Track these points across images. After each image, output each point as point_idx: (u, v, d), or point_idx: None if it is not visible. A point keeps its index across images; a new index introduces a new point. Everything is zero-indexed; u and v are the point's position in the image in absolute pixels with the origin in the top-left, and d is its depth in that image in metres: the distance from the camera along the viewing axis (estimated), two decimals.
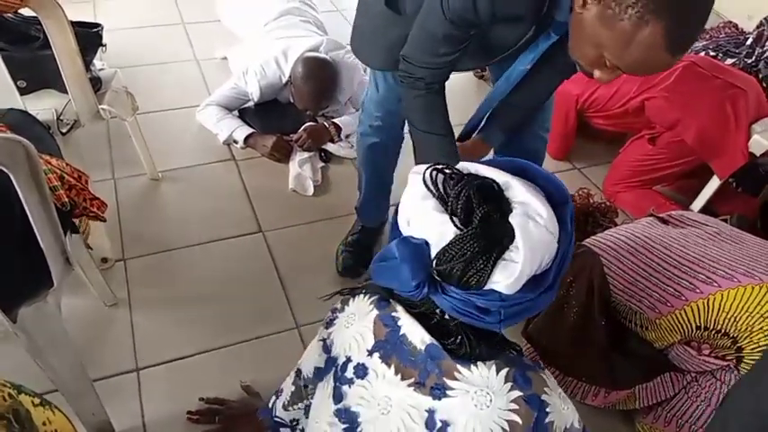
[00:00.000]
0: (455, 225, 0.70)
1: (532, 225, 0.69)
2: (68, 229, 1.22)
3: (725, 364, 1.20)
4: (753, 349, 1.14)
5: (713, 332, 1.14)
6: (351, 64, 2.32)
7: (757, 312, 1.09)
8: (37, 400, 0.66)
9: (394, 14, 1.27)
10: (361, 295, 0.89)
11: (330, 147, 2.27)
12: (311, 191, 2.10)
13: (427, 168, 0.75)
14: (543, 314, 1.36)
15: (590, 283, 1.24)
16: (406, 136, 1.67)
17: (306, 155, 2.19)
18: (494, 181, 0.73)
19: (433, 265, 0.71)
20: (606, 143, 2.37)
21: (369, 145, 1.64)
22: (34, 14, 1.47)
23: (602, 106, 2.18)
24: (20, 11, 1.36)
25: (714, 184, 1.94)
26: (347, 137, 2.30)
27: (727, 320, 1.11)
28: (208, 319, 1.65)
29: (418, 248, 0.71)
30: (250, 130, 2.22)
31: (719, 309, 1.11)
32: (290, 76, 2.23)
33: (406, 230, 0.75)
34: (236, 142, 2.24)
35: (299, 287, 1.77)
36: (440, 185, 0.73)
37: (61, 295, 1.19)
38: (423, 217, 0.72)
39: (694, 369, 1.26)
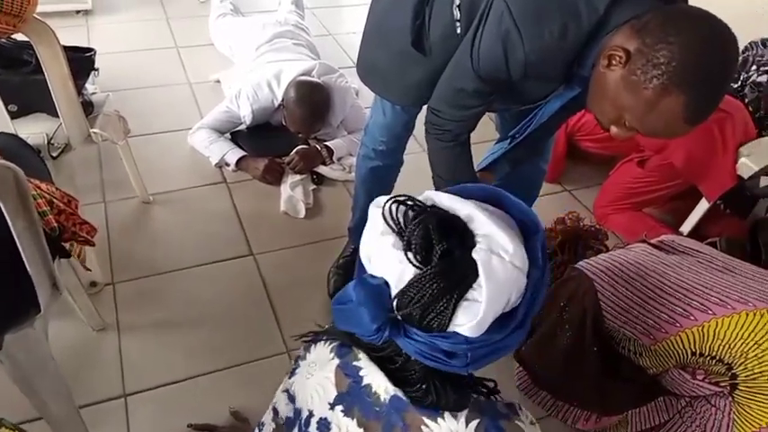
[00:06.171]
0: (413, 264, 0.65)
1: (496, 261, 0.63)
2: (57, 254, 1.21)
3: (719, 390, 1.20)
4: (747, 376, 1.13)
5: (708, 358, 1.14)
6: (343, 87, 2.34)
7: (751, 339, 1.09)
8: None
9: (418, 55, 1.26)
10: (322, 342, 0.84)
11: (322, 169, 2.27)
12: (303, 213, 2.10)
13: (387, 201, 0.69)
14: (536, 337, 1.36)
15: (583, 307, 1.24)
16: (405, 159, 1.69)
17: (297, 177, 2.20)
18: (455, 214, 0.68)
19: (394, 308, 0.66)
20: (596, 165, 2.39)
21: (370, 168, 1.65)
22: (27, 39, 1.48)
23: (591, 130, 2.20)
24: (12, 36, 1.36)
25: (703, 206, 1.96)
26: (339, 159, 2.31)
27: (721, 347, 1.11)
28: (197, 344, 1.63)
29: (376, 290, 0.67)
30: (242, 153, 2.23)
31: (714, 336, 1.11)
32: (282, 100, 2.25)
33: (368, 268, 0.71)
34: (227, 165, 2.24)
35: (289, 311, 1.76)
36: (400, 220, 0.68)
37: (48, 321, 1.18)
38: (381, 255, 0.68)
39: (688, 393, 1.25)
